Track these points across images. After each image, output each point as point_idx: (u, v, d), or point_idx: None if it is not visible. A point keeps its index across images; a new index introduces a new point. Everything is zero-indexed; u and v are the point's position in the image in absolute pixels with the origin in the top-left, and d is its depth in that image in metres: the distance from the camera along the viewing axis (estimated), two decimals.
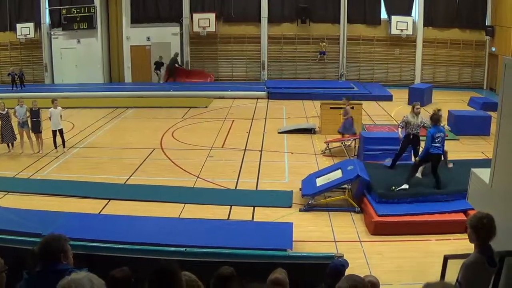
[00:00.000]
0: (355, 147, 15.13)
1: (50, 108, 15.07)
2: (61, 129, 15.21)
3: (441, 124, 11.42)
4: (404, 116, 12.49)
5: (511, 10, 23.53)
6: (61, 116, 15.10)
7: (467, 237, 4.49)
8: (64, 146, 15.32)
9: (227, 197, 11.81)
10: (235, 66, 28.33)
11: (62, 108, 15.53)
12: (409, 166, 12.00)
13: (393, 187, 10.66)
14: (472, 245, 4.48)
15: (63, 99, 21.11)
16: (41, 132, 15.14)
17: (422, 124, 12.17)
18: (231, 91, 24.88)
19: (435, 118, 10.95)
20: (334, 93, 22.46)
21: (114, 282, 4.11)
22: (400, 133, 12.67)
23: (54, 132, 15.08)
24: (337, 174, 11.39)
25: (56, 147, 15.21)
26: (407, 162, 12.43)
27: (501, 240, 5.48)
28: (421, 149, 11.80)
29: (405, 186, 10.63)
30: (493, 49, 25.87)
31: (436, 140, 10.55)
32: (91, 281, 2.99)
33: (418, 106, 12.45)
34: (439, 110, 12.01)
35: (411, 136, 12.22)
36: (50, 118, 14.99)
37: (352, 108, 16.26)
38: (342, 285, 3.61)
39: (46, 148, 15.25)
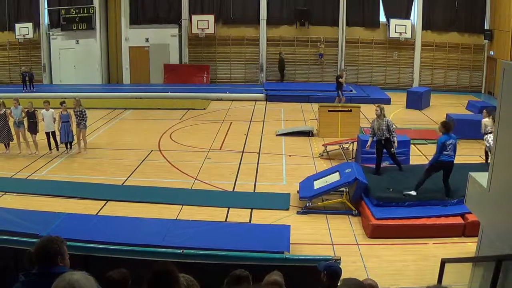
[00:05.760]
0: (353, 150, 15.14)
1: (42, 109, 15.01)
2: (54, 131, 15.11)
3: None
4: (371, 123, 12.02)
5: (509, 14, 23.58)
6: (54, 119, 14.96)
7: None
8: (57, 149, 15.26)
9: (224, 199, 11.79)
10: (234, 68, 28.34)
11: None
12: (404, 169, 12.01)
13: (390, 189, 10.65)
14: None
15: (61, 100, 21.03)
16: (36, 134, 15.09)
17: (388, 127, 11.75)
18: (229, 93, 24.92)
19: (447, 126, 10.26)
20: (332, 96, 22.48)
21: (111, 283, 4.10)
22: (370, 143, 12.18)
23: (47, 134, 15.05)
24: (335, 177, 11.38)
25: (50, 149, 15.18)
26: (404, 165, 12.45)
27: (498, 244, 5.47)
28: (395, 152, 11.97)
29: (413, 192, 10.36)
30: (492, 53, 25.91)
31: (448, 148, 10.05)
32: (87, 279, 2.97)
33: (377, 108, 12.00)
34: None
35: (382, 142, 11.87)
36: (43, 119, 14.96)
37: (350, 111, 16.15)
38: None
39: (43, 149, 15.22)
